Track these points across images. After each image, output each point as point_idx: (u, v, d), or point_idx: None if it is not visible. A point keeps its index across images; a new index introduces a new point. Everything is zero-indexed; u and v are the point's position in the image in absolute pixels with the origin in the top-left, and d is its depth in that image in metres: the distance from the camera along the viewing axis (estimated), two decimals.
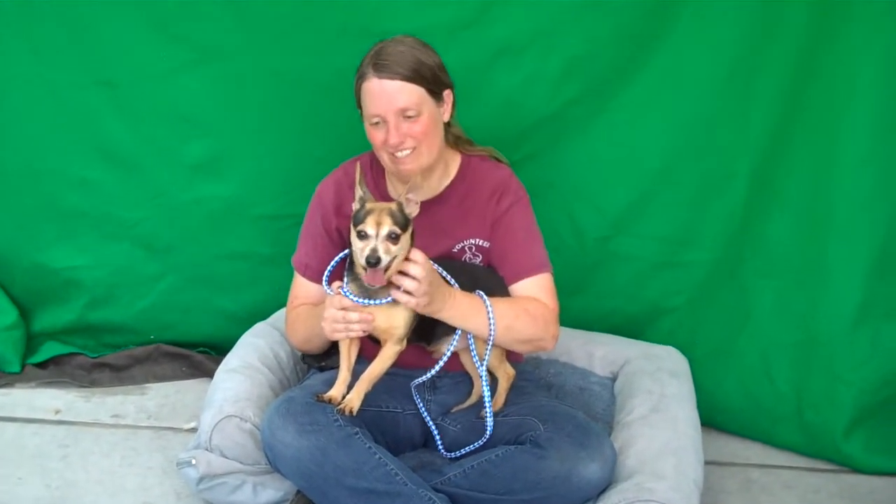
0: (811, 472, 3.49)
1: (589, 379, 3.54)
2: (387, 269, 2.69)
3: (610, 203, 3.67)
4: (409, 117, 2.90)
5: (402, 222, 2.71)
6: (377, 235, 2.67)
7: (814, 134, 3.39)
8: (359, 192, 2.78)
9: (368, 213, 2.71)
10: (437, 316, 2.84)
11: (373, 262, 2.64)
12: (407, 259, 2.73)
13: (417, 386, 3.01)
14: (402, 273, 2.72)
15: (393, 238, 2.68)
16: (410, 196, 2.75)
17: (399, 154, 2.93)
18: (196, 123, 3.71)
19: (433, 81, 2.93)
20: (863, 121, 3.32)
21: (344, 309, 2.78)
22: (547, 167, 3.62)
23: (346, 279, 2.81)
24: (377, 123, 2.92)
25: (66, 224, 3.84)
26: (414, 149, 2.93)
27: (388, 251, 2.67)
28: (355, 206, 2.78)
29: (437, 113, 2.97)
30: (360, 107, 2.99)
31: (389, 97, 2.88)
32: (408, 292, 2.72)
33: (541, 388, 3.32)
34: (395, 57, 2.88)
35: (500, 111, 3.55)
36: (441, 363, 2.93)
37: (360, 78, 2.92)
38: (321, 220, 3.11)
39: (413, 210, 2.76)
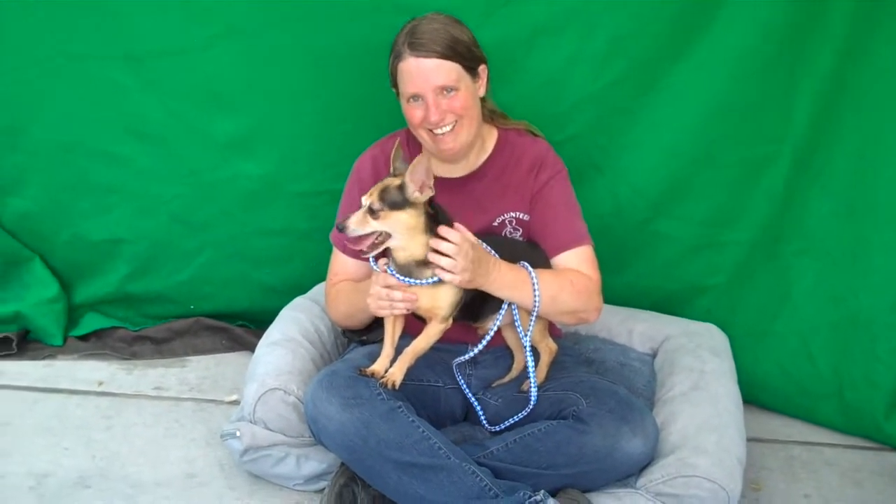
0: (852, 449, 3.49)
1: (629, 355, 3.54)
2: (375, 244, 2.71)
3: (651, 183, 3.66)
4: (448, 94, 2.90)
5: (395, 201, 2.69)
6: (363, 206, 2.69)
7: (857, 117, 3.38)
8: (391, 167, 2.80)
9: (374, 184, 2.74)
10: (482, 288, 2.84)
11: (340, 227, 2.68)
12: (439, 237, 2.72)
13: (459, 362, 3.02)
14: (436, 252, 2.72)
15: (373, 212, 2.68)
16: (420, 178, 2.70)
17: (438, 131, 2.93)
18: (226, 100, 3.69)
19: (469, 57, 2.93)
20: None
21: (388, 287, 2.79)
22: (590, 148, 3.61)
23: (389, 257, 2.82)
24: (416, 101, 2.92)
25: (100, 198, 3.85)
26: (454, 125, 2.93)
27: (361, 223, 2.68)
28: None
29: (473, 88, 2.97)
30: (395, 86, 2.99)
31: (427, 75, 2.88)
32: (445, 269, 2.73)
33: (581, 364, 3.31)
34: (430, 35, 2.88)
35: (541, 90, 3.53)
36: (484, 342, 2.94)
37: (397, 57, 2.92)
38: (358, 195, 3.07)
39: (426, 193, 2.72)
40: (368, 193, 2.71)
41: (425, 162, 2.70)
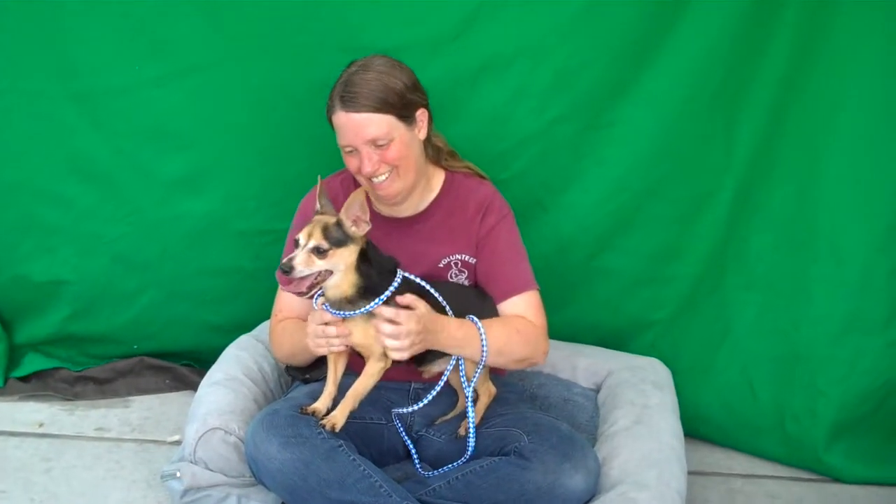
0: (794, 481, 3.51)
1: (573, 390, 3.55)
2: (314, 284, 2.70)
3: (596, 220, 3.68)
4: (381, 146, 2.90)
5: (337, 238, 2.70)
6: (304, 246, 2.68)
7: (797, 152, 3.43)
8: (317, 206, 2.80)
9: (308, 223, 2.73)
10: (431, 347, 2.85)
11: (285, 269, 2.65)
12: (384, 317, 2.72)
13: (401, 398, 3.02)
14: (388, 320, 2.72)
15: (319, 252, 2.68)
16: (356, 214, 2.72)
17: (375, 179, 2.93)
18: (173, 138, 3.67)
19: (402, 107, 2.92)
20: (846, 139, 3.36)
21: (325, 324, 2.79)
22: (534, 184, 3.62)
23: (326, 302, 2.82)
24: (350, 152, 2.92)
25: (44, 238, 3.81)
26: (389, 173, 2.93)
27: (307, 263, 2.67)
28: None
29: (409, 136, 2.96)
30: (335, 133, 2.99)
31: (357, 129, 2.88)
32: (393, 349, 2.74)
33: (525, 400, 3.32)
34: (361, 87, 2.87)
35: (487, 127, 3.55)
36: (426, 400, 2.94)
37: (329, 109, 2.93)
38: None
39: (362, 228, 2.74)
40: (306, 233, 2.69)
41: (361, 197, 2.71)
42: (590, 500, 2.88)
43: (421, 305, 2.77)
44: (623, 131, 3.55)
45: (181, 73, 3.58)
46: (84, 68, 3.58)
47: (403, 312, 2.72)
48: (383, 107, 2.87)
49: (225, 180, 3.72)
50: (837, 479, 3.51)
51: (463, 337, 2.89)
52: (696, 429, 3.61)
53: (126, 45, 3.55)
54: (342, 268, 2.72)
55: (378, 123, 2.88)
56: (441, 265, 3.09)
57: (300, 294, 2.72)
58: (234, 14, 3.50)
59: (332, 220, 2.73)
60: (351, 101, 2.87)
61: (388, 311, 2.72)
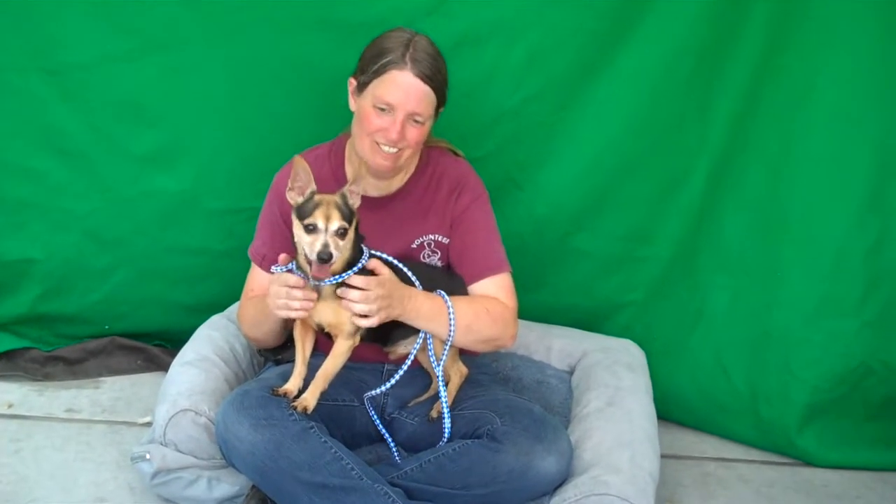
0: (767, 465, 3.53)
1: (546, 372, 3.55)
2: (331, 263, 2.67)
3: (570, 199, 3.68)
4: (415, 122, 2.89)
5: (348, 215, 2.69)
6: (326, 230, 2.64)
7: (770, 135, 3.45)
8: (312, 186, 2.73)
9: (317, 205, 2.67)
10: (398, 318, 2.83)
11: (325, 258, 2.61)
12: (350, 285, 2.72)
13: (374, 379, 3.00)
14: (350, 286, 2.71)
15: (341, 233, 2.65)
16: (353, 188, 2.72)
17: (385, 148, 2.89)
18: (146, 114, 3.63)
19: (442, 97, 2.94)
20: (819, 121, 3.37)
21: (288, 286, 2.75)
22: (508, 163, 3.62)
23: (294, 264, 2.78)
24: (385, 110, 2.87)
25: (14, 215, 3.76)
26: (398, 151, 2.91)
27: (337, 247, 2.64)
28: (296, 198, 2.73)
29: (429, 128, 2.97)
30: (361, 80, 2.92)
31: (413, 94, 2.85)
32: (357, 314, 2.73)
33: (498, 382, 3.32)
34: (431, 61, 2.87)
35: (462, 105, 3.47)
36: (393, 380, 2.92)
37: (392, 62, 2.85)
38: (279, 210, 3.08)
39: (356, 201, 2.74)
40: (324, 216, 2.64)
41: (363, 172, 2.74)
42: (562, 482, 2.88)
43: (385, 270, 2.77)
44: (597, 111, 3.56)
45: (155, 48, 3.53)
46: (56, 42, 3.53)
47: (370, 279, 2.71)
48: (439, 88, 2.89)
49: (198, 157, 3.68)
50: (810, 463, 3.54)
51: (430, 309, 2.88)
52: (669, 411, 3.62)
53: (98, 19, 3.49)
54: (349, 245, 2.71)
55: (429, 101, 2.88)
56: (414, 245, 3.07)
57: (321, 279, 2.69)
58: None
59: (336, 197, 2.70)
60: (422, 68, 2.84)
61: (356, 280, 2.70)
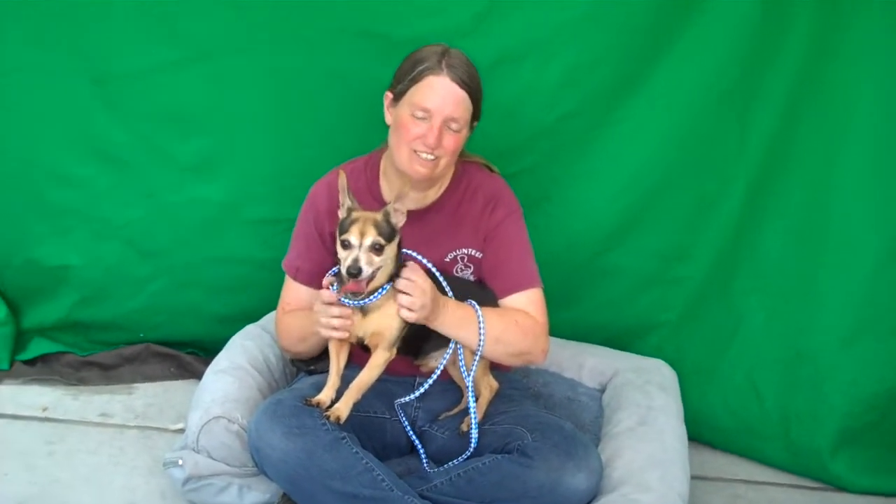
0: (797, 489, 3.50)
1: (577, 390, 3.54)
2: (371, 278, 2.69)
3: (604, 217, 3.68)
4: (452, 129, 2.91)
5: (388, 232, 2.71)
6: (360, 245, 2.67)
7: (810, 155, 3.42)
8: (347, 203, 2.77)
9: (353, 222, 2.70)
10: (430, 325, 2.84)
11: (354, 272, 2.64)
12: (401, 276, 2.74)
13: (405, 392, 3.01)
14: (398, 290, 2.73)
15: (377, 249, 2.67)
16: (398, 206, 2.75)
17: (423, 155, 2.91)
18: (189, 123, 3.66)
19: (477, 104, 2.97)
20: (860, 143, 3.35)
21: (324, 304, 2.78)
22: (544, 179, 3.63)
23: (336, 282, 2.81)
24: (422, 118, 2.90)
25: (56, 221, 3.79)
26: (436, 159, 2.93)
27: (370, 262, 2.66)
28: (341, 214, 2.78)
29: (465, 136, 2.99)
30: (397, 90, 2.95)
31: (450, 99, 2.89)
32: (405, 306, 2.74)
33: (529, 398, 3.31)
34: (466, 68, 2.91)
35: (498, 122, 3.50)
36: (425, 386, 2.94)
37: (428, 69, 2.89)
38: (314, 223, 3.11)
39: (400, 220, 2.76)
40: (359, 232, 2.67)
41: (407, 189, 2.76)
42: (592, 500, 2.87)
43: (421, 273, 2.79)
44: (633, 129, 3.55)
45: (199, 57, 3.56)
46: (102, 51, 3.56)
47: (420, 271, 2.77)
48: (473, 93, 2.92)
49: (238, 166, 3.71)
50: (841, 489, 3.50)
51: (461, 318, 2.89)
52: (699, 433, 3.60)
53: (145, 29, 3.53)
54: (389, 262, 2.73)
55: (465, 106, 2.91)
56: (447, 259, 3.08)
57: (357, 295, 2.71)
58: (253, 0, 3.49)
59: (378, 215, 2.72)
60: (456, 71, 2.88)
61: (410, 269, 2.75)
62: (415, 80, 2.91)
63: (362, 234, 2.67)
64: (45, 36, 3.54)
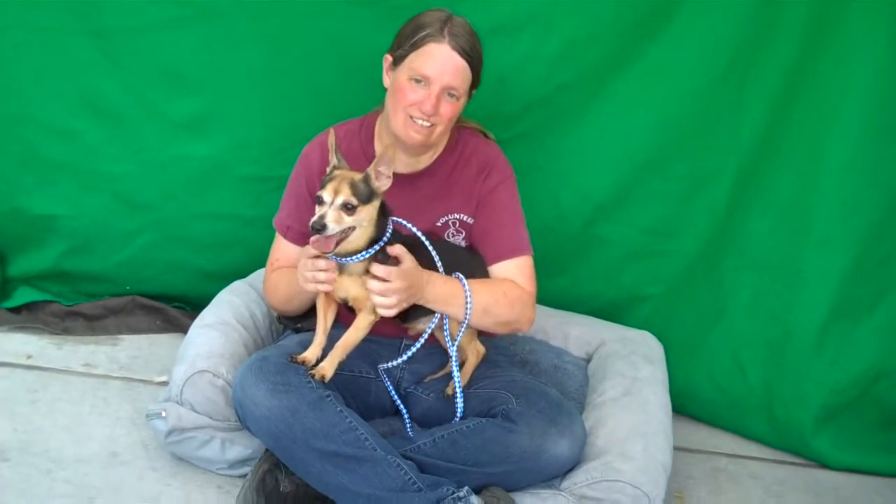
0: (779, 464, 3.52)
1: (563, 358, 3.54)
2: (340, 240, 2.67)
3: (595, 189, 3.68)
4: (450, 96, 2.90)
5: (365, 194, 2.69)
6: (331, 203, 2.65)
7: (801, 138, 3.43)
8: (332, 160, 2.77)
9: (331, 179, 2.70)
10: (416, 302, 2.84)
11: (318, 227, 2.63)
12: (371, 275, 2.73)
13: (391, 353, 3.02)
14: (373, 276, 2.72)
15: (348, 209, 2.66)
16: (381, 169, 2.72)
17: (419, 121, 2.90)
18: (184, 81, 3.67)
19: (477, 74, 2.95)
20: (850, 128, 3.36)
21: (310, 258, 2.77)
22: (536, 149, 3.63)
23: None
24: (420, 83, 2.88)
25: (46, 172, 3.79)
26: (431, 126, 2.91)
27: (338, 220, 2.65)
28: (328, 171, 2.77)
29: (462, 105, 2.98)
30: (397, 54, 2.94)
31: (450, 68, 2.87)
32: (377, 305, 2.74)
33: (515, 364, 3.32)
34: (468, 37, 2.90)
35: (493, 89, 3.49)
36: (409, 353, 2.94)
37: (429, 35, 2.87)
38: (305, 183, 3.10)
39: (384, 184, 2.73)
40: (332, 190, 2.66)
41: (391, 153, 2.71)
42: (574, 467, 2.89)
43: (408, 259, 2.77)
44: (627, 104, 3.56)
45: (197, 16, 3.57)
46: (102, 5, 3.57)
47: (393, 270, 2.72)
48: (474, 65, 2.91)
49: (231, 125, 3.71)
50: (823, 465, 3.53)
51: (447, 293, 2.88)
52: (683, 405, 3.61)
53: None
54: (365, 224, 2.71)
55: (464, 76, 2.90)
56: (439, 223, 3.07)
57: (326, 252, 2.70)
58: None
59: (357, 175, 2.71)
60: (459, 39, 2.87)
61: (378, 270, 2.71)
62: (415, 46, 2.89)
63: (335, 192, 2.66)
64: None
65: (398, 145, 2.96)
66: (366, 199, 2.69)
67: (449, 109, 2.91)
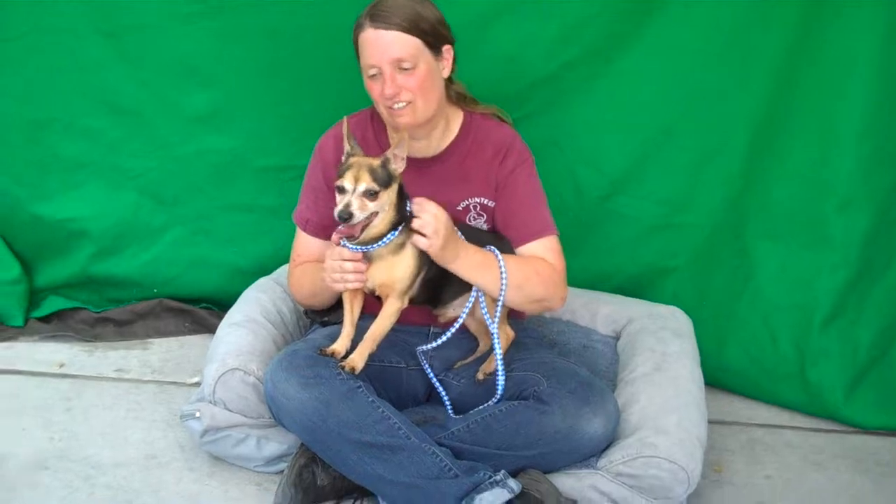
0: (815, 432, 3.50)
1: (592, 337, 3.54)
2: (365, 225, 2.68)
3: (610, 163, 3.70)
4: (405, 69, 2.87)
5: (384, 179, 2.69)
6: (353, 191, 2.66)
7: (816, 99, 3.43)
8: (346, 147, 2.78)
9: (349, 167, 2.70)
10: (449, 266, 2.83)
11: (345, 217, 2.64)
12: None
13: (421, 342, 3.02)
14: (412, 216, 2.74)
15: (370, 195, 2.66)
16: (397, 152, 2.73)
17: (395, 106, 2.90)
18: (199, 75, 3.73)
19: (431, 34, 2.90)
20: (858, 94, 3.38)
21: (343, 259, 2.78)
22: (548, 126, 3.64)
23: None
24: (374, 76, 2.89)
25: (69, 174, 3.85)
26: (410, 102, 2.90)
27: (362, 207, 2.66)
28: (343, 160, 2.78)
29: (435, 67, 2.94)
30: (359, 59, 2.96)
31: (385, 47, 2.85)
32: (420, 234, 2.73)
33: (544, 346, 3.31)
34: (393, 9, 2.86)
35: (501, 69, 3.57)
36: (451, 331, 2.93)
37: (358, 28, 2.90)
38: (322, 174, 3.10)
39: (399, 166, 2.74)
40: (353, 178, 2.67)
41: (405, 136, 2.73)
42: (608, 445, 2.88)
43: (432, 203, 2.78)
44: (633, 79, 3.59)
45: (209, 12, 3.63)
46: (114, 4, 3.63)
47: (426, 202, 2.75)
48: (413, 29, 2.86)
49: (246, 118, 3.78)
50: (858, 427, 3.51)
51: (482, 261, 2.88)
52: (717, 378, 3.61)
53: None
54: (387, 208, 2.72)
55: (406, 44, 2.86)
56: (460, 208, 3.07)
57: (352, 238, 2.70)
58: None
59: (374, 161, 2.71)
60: (381, 18, 2.85)
61: (420, 199, 2.75)
62: (356, 45, 2.92)
63: (356, 180, 2.67)
64: None
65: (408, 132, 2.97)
66: (385, 183, 2.69)
67: (412, 80, 2.88)
